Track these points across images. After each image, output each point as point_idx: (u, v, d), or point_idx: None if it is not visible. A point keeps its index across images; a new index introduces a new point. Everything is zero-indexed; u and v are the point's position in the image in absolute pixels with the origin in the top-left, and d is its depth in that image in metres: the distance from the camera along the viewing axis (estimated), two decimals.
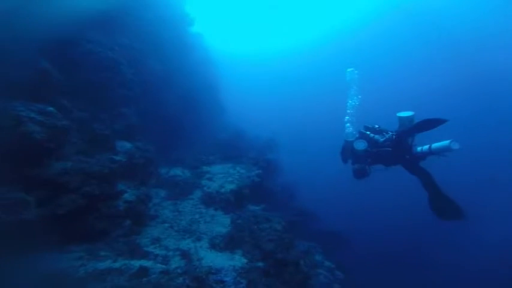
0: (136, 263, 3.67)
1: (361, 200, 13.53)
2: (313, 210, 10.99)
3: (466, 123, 26.54)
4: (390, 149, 5.24)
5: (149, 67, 7.62)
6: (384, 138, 5.39)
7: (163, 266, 3.89)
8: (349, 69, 8.42)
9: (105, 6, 5.57)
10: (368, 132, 5.65)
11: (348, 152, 5.84)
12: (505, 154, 24.41)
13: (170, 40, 9.37)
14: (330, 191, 13.94)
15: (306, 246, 8.18)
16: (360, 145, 5.50)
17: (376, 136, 5.49)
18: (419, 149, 5.15)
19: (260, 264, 5.66)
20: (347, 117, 6.58)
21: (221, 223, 6.46)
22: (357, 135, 5.71)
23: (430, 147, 4.93)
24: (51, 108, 3.96)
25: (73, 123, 4.41)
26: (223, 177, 7.90)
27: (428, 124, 4.79)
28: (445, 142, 4.65)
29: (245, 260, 5.67)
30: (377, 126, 5.67)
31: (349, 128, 6.17)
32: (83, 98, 5.08)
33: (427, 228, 13.12)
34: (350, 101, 7.37)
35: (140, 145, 5.83)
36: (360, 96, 7.48)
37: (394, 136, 5.25)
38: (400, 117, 5.16)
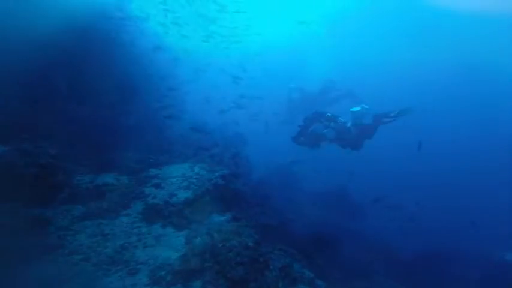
0: None
1: (343, 195, 12.64)
2: (290, 210, 9.70)
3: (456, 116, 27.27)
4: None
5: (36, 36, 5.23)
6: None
7: None
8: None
9: None
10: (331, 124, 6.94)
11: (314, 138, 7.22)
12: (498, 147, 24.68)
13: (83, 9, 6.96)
14: (308, 186, 12.83)
15: (284, 258, 6.78)
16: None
17: (332, 124, 6.94)
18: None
19: None
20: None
21: (171, 245, 4.76)
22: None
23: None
24: None
25: None
26: (176, 181, 6.12)
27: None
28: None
29: None
30: (329, 114, 6.87)
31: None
32: None
33: (422, 227, 12.62)
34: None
35: (28, 147, 3.83)
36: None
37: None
38: (352, 112, 6.51)
